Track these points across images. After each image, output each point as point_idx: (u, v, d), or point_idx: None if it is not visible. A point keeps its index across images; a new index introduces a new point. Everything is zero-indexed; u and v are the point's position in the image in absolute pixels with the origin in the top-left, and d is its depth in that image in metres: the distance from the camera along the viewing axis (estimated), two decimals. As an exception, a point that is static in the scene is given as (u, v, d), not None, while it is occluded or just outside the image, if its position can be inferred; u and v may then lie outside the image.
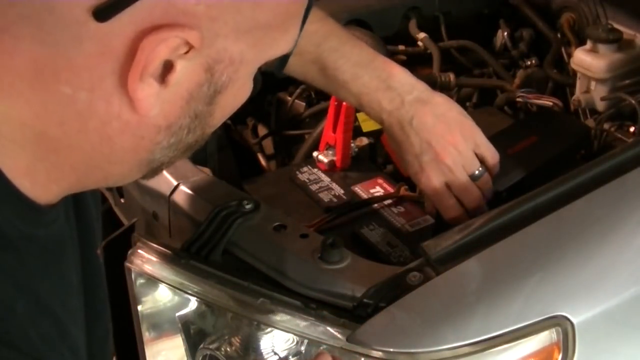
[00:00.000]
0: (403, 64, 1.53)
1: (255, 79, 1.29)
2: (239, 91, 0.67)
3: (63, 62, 0.58)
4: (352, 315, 0.89)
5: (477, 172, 1.05)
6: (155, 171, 0.70)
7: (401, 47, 1.54)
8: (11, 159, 0.62)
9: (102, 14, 0.56)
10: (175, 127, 0.64)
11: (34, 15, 0.57)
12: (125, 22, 0.57)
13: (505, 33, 1.55)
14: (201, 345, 1.02)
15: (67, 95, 0.59)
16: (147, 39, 0.57)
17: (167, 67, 0.60)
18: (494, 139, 1.16)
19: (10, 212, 0.63)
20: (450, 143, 1.03)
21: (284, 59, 1.07)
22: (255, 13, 0.62)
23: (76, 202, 0.75)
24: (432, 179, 1.04)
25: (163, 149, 0.66)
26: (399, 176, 1.23)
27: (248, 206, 1.01)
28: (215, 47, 0.61)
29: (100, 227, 0.85)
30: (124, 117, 0.61)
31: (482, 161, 1.06)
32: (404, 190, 1.19)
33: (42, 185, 0.65)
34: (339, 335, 0.88)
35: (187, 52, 0.59)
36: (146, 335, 1.07)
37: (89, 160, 0.64)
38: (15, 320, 0.63)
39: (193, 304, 1.02)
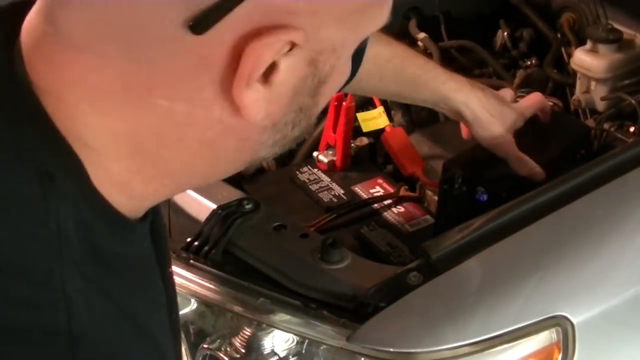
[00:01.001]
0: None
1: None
2: (340, 75, 0.64)
3: (157, 77, 0.56)
4: (352, 315, 0.89)
5: None
6: (255, 163, 0.68)
7: (401, 47, 1.54)
8: (106, 174, 0.59)
9: (199, 27, 0.54)
10: (280, 125, 0.62)
11: (122, 34, 0.55)
12: (223, 31, 0.55)
13: (505, 33, 1.55)
14: (201, 345, 1.02)
15: (163, 107, 0.57)
16: (250, 45, 0.55)
17: (271, 68, 0.57)
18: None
19: (105, 228, 0.60)
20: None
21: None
22: None
23: (153, 219, 0.72)
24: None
25: (268, 147, 0.63)
26: (399, 176, 1.23)
27: (248, 206, 1.01)
28: (318, 39, 0.58)
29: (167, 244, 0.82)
30: (226, 122, 0.59)
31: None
32: (404, 190, 1.19)
33: (139, 198, 0.62)
34: (339, 335, 0.88)
35: (290, 50, 0.57)
36: (146, 335, 1.06)
37: (190, 167, 0.62)
38: (122, 345, 0.60)
39: (193, 304, 1.02)
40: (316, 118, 0.66)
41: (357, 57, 1.10)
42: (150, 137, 0.59)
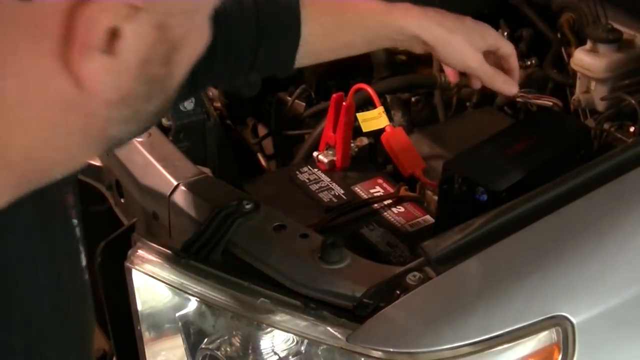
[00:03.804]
0: (403, 64, 1.55)
1: (255, 80, 1.29)
2: (196, 40, 0.58)
3: None
4: (352, 315, 0.89)
5: None
6: (113, 147, 0.62)
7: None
8: None
9: None
10: (130, 99, 0.55)
11: None
12: None
13: (505, 33, 1.55)
14: (201, 345, 1.02)
15: None
16: (82, 9, 0.50)
17: (114, 35, 0.51)
18: (494, 139, 1.17)
19: None
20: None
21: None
22: None
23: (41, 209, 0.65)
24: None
25: (118, 124, 0.57)
26: (399, 176, 1.23)
27: (248, 206, 1.01)
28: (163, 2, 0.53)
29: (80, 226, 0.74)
30: (67, 98, 0.53)
31: None
32: (404, 190, 1.19)
33: None
34: (339, 335, 0.88)
35: (134, 13, 0.51)
36: (146, 335, 1.07)
37: (31, 155, 0.55)
38: None
39: (193, 304, 1.02)
40: (175, 92, 0.60)
41: (292, 21, 1.05)
42: None
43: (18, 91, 0.52)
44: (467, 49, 1.08)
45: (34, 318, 0.63)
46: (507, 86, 1.11)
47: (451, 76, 1.18)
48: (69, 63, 0.51)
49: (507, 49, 1.14)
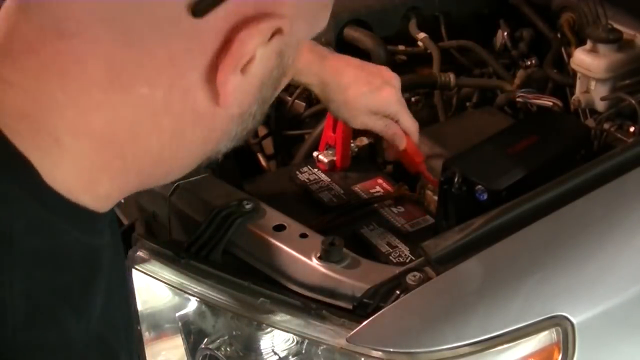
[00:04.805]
0: (403, 64, 1.55)
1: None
2: (292, 69, 0.65)
3: (144, 62, 0.56)
4: (352, 315, 0.89)
5: None
6: (208, 160, 0.68)
7: (401, 47, 1.54)
8: (68, 174, 0.57)
9: (200, 10, 0.54)
10: (245, 116, 0.63)
11: (118, 18, 0.54)
12: (219, 16, 0.55)
13: (505, 33, 1.55)
14: (201, 345, 1.02)
15: (143, 95, 0.57)
16: (244, 31, 0.55)
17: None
18: (494, 138, 1.17)
19: (65, 225, 0.58)
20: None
21: None
22: None
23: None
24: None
25: (230, 138, 0.64)
26: (399, 176, 1.23)
27: (248, 206, 1.01)
28: (291, 31, 0.59)
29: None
30: (200, 111, 0.59)
31: None
32: (404, 190, 1.19)
33: (104, 197, 0.61)
34: (339, 335, 0.88)
35: (269, 40, 0.58)
36: (146, 335, 1.07)
37: (157, 160, 0.61)
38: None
39: (193, 304, 1.02)
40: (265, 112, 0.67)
41: None
42: (124, 129, 0.58)
43: (164, 101, 0.58)
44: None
45: (112, 301, 0.66)
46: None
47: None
48: (213, 79, 0.57)
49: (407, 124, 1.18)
